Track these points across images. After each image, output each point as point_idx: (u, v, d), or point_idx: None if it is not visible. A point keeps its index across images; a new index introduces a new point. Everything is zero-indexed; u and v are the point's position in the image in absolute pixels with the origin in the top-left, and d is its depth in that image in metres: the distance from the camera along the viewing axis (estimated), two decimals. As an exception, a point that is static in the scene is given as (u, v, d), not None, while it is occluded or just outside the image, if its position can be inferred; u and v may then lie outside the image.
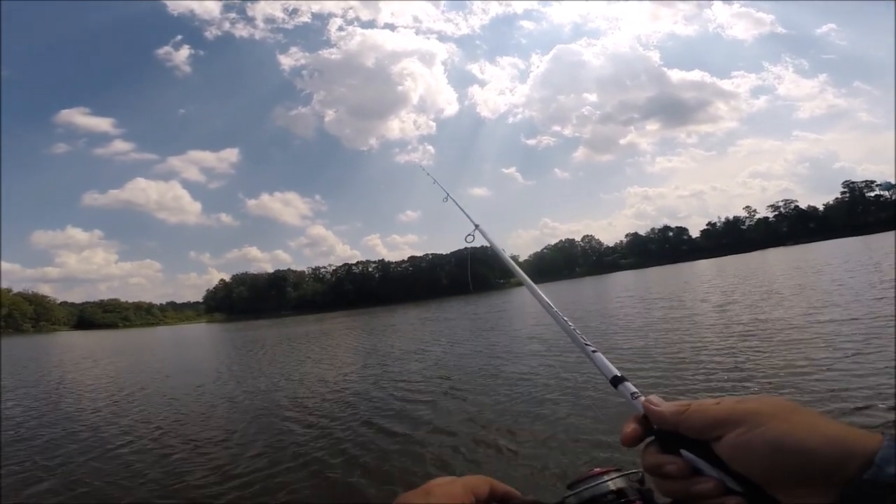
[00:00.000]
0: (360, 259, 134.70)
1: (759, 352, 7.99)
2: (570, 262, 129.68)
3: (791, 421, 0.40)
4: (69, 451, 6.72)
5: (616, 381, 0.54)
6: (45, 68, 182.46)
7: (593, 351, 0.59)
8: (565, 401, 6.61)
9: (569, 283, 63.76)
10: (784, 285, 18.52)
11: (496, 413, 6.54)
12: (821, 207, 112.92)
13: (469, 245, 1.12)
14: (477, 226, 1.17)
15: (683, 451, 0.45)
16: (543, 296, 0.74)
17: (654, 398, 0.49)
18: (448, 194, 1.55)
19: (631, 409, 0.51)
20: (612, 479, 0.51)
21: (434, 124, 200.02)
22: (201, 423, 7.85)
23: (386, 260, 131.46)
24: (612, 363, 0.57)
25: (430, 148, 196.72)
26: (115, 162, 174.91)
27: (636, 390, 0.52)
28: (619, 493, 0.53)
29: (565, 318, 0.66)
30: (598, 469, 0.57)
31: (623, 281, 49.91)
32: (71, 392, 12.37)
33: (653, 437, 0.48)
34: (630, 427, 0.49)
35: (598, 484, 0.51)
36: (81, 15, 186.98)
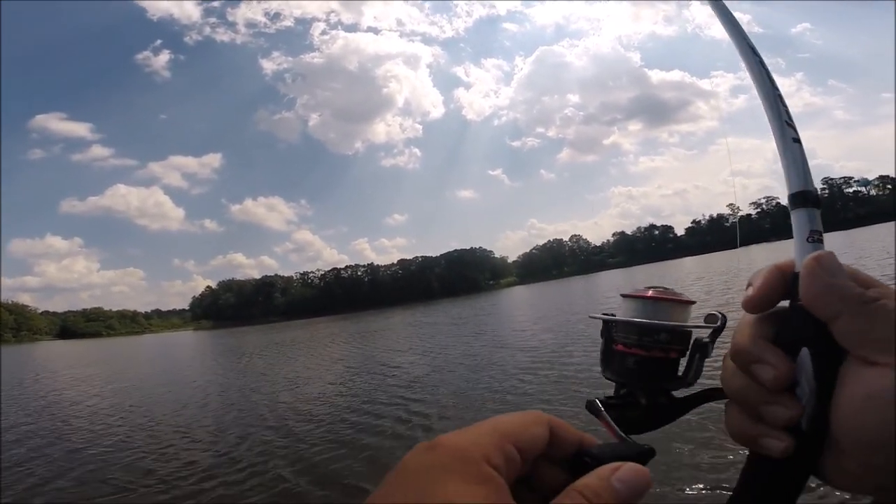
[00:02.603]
0: (348, 263, 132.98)
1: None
2: (559, 261, 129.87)
3: None
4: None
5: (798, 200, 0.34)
6: (19, 72, 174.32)
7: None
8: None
9: (559, 283, 62.93)
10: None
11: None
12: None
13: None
14: None
15: (804, 352, 0.29)
16: None
17: (832, 257, 0.30)
18: None
19: (796, 251, 0.31)
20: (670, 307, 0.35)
21: (420, 127, 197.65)
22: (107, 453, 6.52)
23: (375, 264, 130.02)
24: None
25: (417, 151, 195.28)
26: (93, 168, 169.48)
27: (820, 227, 0.32)
28: (673, 333, 0.35)
29: None
30: (651, 292, 0.37)
31: (613, 280, 49.29)
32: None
33: (778, 309, 0.31)
34: (767, 281, 0.31)
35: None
36: (58, 19, 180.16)
